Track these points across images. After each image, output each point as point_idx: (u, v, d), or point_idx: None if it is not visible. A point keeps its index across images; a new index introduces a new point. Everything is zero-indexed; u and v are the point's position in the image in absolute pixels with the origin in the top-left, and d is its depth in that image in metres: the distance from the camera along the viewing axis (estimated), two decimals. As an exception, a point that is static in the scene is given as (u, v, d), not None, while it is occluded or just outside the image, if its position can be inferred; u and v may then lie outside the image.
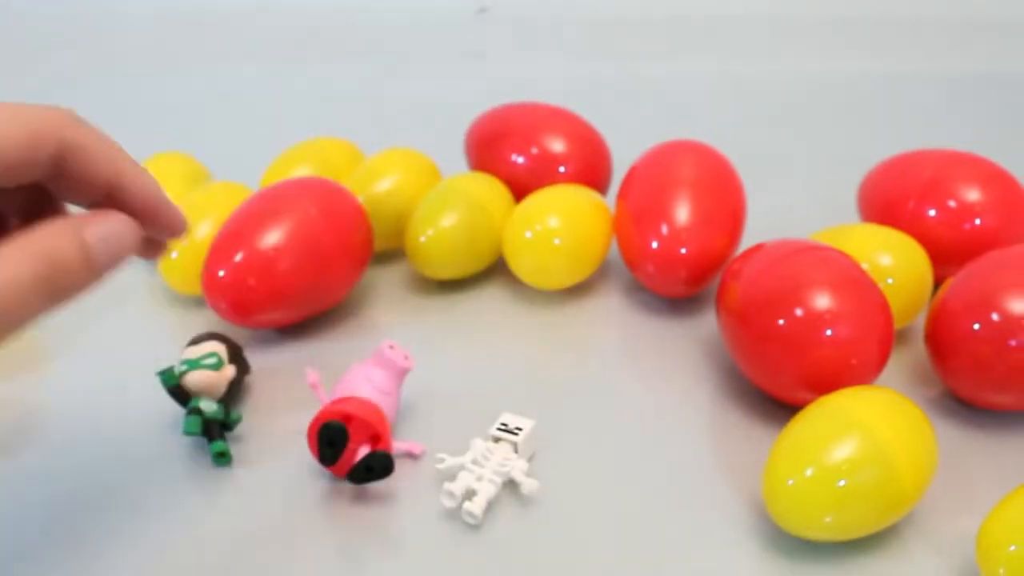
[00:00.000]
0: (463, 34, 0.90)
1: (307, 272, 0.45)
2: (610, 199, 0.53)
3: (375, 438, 0.37)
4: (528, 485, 0.37)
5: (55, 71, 0.87)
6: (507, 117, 0.54)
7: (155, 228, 0.33)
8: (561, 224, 0.47)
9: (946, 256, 0.45)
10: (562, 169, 0.52)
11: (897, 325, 0.40)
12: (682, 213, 0.46)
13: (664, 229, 0.46)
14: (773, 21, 0.86)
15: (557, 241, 0.47)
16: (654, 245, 0.46)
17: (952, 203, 0.46)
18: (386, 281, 0.52)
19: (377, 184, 0.51)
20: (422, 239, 0.48)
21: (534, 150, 0.52)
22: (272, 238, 0.44)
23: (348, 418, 0.37)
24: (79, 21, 0.97)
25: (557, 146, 0.52)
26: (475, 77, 0.80)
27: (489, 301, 0.50)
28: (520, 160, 0.52)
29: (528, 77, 0.77)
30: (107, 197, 0.32)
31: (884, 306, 0.39)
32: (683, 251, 0.45)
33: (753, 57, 0.83)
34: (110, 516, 0.37)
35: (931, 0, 0.87)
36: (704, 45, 0.85)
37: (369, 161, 0.54)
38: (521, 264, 0.48)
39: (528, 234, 0.47)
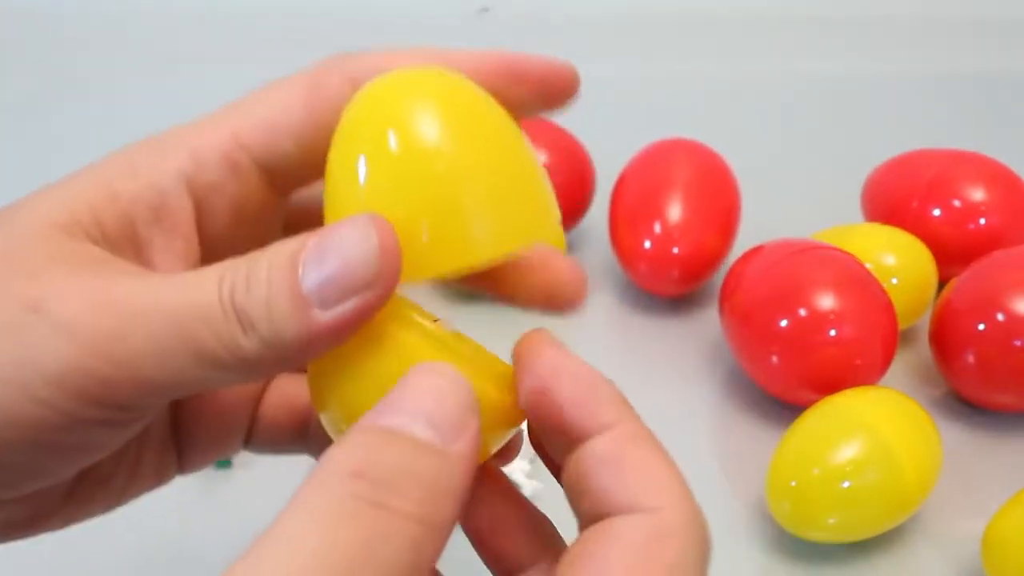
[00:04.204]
0: (464, 34, 0.90)
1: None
2: (596, 209, 0.52)
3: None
4: (530, 486, 0.37)
5: (53, 72, 0.87)
6: None
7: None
8: None
9: (951, 256, 0.45)
10: None
11: (901, 325, 0.40)
12: (674, 211, 0.46)
13: (656, 228, 0.45)
14: (776, 21, 0.86)
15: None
16: (646, 245, 0.46)
17: (956, 202, 0.46)
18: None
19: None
20: None
21: None
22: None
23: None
24: (77, 21, 0.97)
25: (539, 158, 0.51)
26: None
27: (487, 303, 0.49)
28: None
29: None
30: None
31: (888, 306, 0.39)
32: (675, 250, 0.45)
33: (756, 56, 0.83)
34: (109, 517, 0.37)
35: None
36: (708, 44, 0.85)
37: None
38: None
39: None
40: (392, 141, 0.20)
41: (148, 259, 0.21)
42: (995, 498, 0.33)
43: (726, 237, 0.47)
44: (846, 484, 0.33)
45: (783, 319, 0.38)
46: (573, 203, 0.52)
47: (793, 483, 0.33)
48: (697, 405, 0.42)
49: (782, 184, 0.59)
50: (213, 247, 0.22)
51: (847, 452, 0.33)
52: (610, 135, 0.55)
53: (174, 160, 0.21)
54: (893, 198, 0.48)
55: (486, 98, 0.22)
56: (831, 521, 0.33)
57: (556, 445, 0.20)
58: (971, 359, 0.39)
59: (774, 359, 0.39)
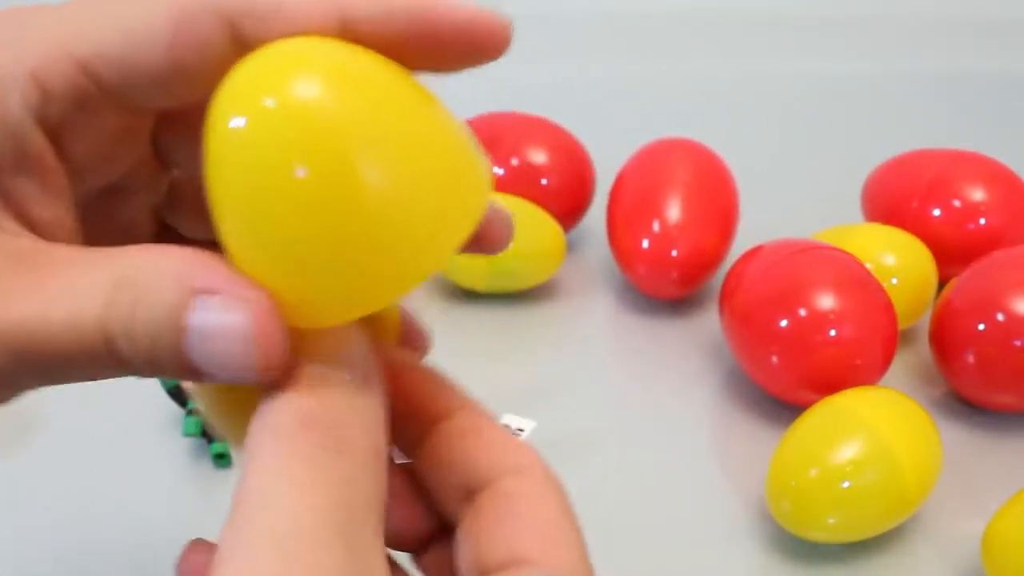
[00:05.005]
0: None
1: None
2: (595, 209, 0.52)
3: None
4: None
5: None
6: (486, 128, 0.53)
7: None
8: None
9: (951, 256, 0.45)
10: (544, 182, 0.51)
11: (901, 325, 0.40)
12: (673, 213, 0.45)
13: (655, 228, 0.45)
14: (776, 20, 0.86)
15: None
16: (645, 246, 0.45)
17: (956, 202, 0.46)
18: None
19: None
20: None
21: (514, 162, 0.51)
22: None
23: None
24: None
25: (538, 158, 0.51)
26: (477, 77, 0.80)
27: (488, 302, 0.49)
28: (500, 172, 0.51)
29: (532, 78, 0.76)
30: None
31: (888, 306, 0.39)
32: (674, 253, 0.45)
33: (756, 56, 0.83)
34: (109, 517, 0.37)
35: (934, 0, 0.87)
36: (708, 44, 0.85)
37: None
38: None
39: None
40: (293, 161, 0.17)
41: (22, 213, 0.20)
42: (995, 498, 0.33)
43: (725, 237, 0.47)
44: (846, 484, 0.33)
45: (783, 319, 0.38)
46: (573, 203, 0.52)
47: (793, 483, 0.33)
48: (697, 405, 0.42)
49: (782, 184, 0.59)
50: (78, 176, 0.21)
51: (847, 452, 0.33)
52: (610, 135, 0.54)
53: (18, 94, 0.19)
54: (893, 198, 0.48)
55: (397, 77, 0.19)
56: (831, 521, 0.33)
57: (405, 436, 0.21)
58: (971, 359, 0.39)
59: (774, 359, 0.39)
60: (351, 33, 0.19)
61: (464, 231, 0.18)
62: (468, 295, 0.49)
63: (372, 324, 0.21)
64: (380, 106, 0.18)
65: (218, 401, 0.21)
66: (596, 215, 0.52)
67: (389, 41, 0.19)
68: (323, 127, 0.17)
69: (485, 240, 0.23)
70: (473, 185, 0.19)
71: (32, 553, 0.35)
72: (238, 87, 0.18)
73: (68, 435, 0.41)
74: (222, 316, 0.17)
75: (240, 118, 0.17)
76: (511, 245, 0.46)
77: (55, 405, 0.43)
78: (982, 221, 0.45)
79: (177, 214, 0.25)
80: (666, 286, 0.46)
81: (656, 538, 0.35)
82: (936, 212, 0.46)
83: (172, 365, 0.18)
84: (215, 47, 0.19)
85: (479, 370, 0.45)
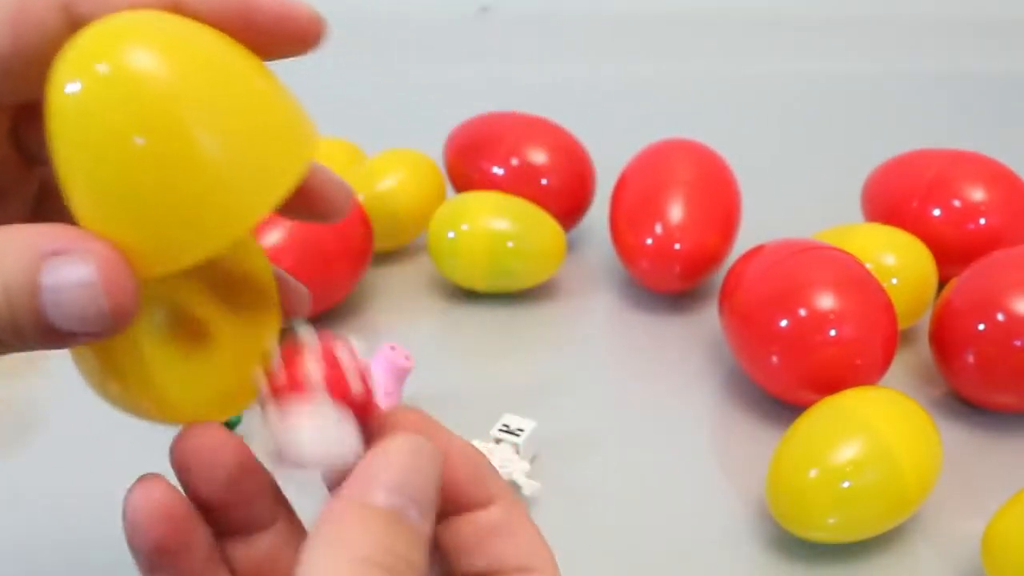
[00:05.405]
0: (464, 34, 0.90)
1: (306, 272, 0.44)
2: (596, 209, 0.52)
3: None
4: (529, 487, 0.37)
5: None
6: (486, 128, 0.53)
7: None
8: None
9: (951, 256, 0.45)
10: (544, 182, 0.51)
11: (901, 325, 0.40)
12: (676, 209, 0.46)
13: (658, 225, 0.45)
14: (776, 20, 0.86)
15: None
16: (648, 241, 0.46)
17: (956, 202, 0.46)
18: (385, 282, 0.51)
19: (377, 184, 0.51)
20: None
21: (514, 162, 0.51)
22: (272, 238, 0.44)
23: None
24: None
25: (538, 158, 0.51)
26: (477, 77, 0.80)
27: (488, 302, 0.49)
28: (500, 172, 0.51)
29: (532, 78, 0.76)
30: None
31: (888, 306, 0.39)
32: (677, 246, 0.45)
33: (756, 56, 0.83)
34: (110, 517, 0.37)
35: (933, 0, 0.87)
36: (708, 44, 0.85)
37: (369, 161, 0.53)
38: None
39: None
40: (124, 123, 0.18)
41: None
42: (995, 498, 0.33)
43: (727, 237, 0.47)
44: (846, 484, 0.33)
45: (783, 319, 0.38)
46: (573, 203, 0.52)
47: (793, 483, 0.33)
48: (697, 405, 0.42)
49: (782, 184, 0.59)
50: None
51: (847, 452, 0.33)
52: (610, 135, 0.55)
53: None
54: (893, 198, 0.48)
55: (224, 46, 0.20)
56: (831, 521, 0.33)
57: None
58: (971, 359, 0.39)
59: (774, 359, 0.39)
60: (182, 12, 0.21)
61: (286, 183, 0.20)
62: (468, 295, 0.49)
63: (247, 287, 0.23)
64: (206, 71, 0.19)
65: (93, 366, 0.22)
66: (596, 215, 0.52)
67: (215, 22, 0.21)
68: (151, 91, 0.18)
69: (321, 205, 0.24)
70: (294, 144, 0.20)
71: (32, 553, 0.35)
72: (74, 54, 0.19)
73: (68, 435, 0.41)
74: (70, 270, 0.18)
75: (76, 83, 0.19)
76: (512, 243, 0.47)
77: (55, 405, 0.43)
78: (982, 221, 0.45)
79: (52, 212, 0.25)
80: (669, 280, 0.46)
81: (656, 538, 0.35)
82: (936, 212, 0.46)
83: (33, 330, 0.19)
84: (54, 31, 0.20)
85: (479, 370, 0.45)
